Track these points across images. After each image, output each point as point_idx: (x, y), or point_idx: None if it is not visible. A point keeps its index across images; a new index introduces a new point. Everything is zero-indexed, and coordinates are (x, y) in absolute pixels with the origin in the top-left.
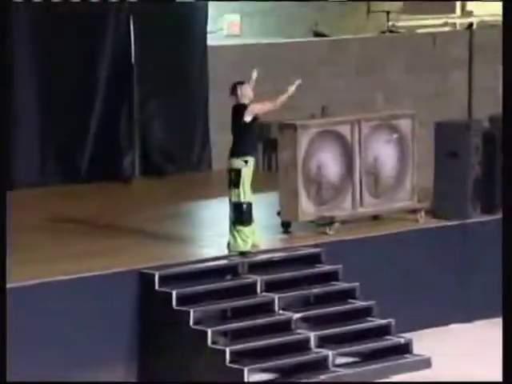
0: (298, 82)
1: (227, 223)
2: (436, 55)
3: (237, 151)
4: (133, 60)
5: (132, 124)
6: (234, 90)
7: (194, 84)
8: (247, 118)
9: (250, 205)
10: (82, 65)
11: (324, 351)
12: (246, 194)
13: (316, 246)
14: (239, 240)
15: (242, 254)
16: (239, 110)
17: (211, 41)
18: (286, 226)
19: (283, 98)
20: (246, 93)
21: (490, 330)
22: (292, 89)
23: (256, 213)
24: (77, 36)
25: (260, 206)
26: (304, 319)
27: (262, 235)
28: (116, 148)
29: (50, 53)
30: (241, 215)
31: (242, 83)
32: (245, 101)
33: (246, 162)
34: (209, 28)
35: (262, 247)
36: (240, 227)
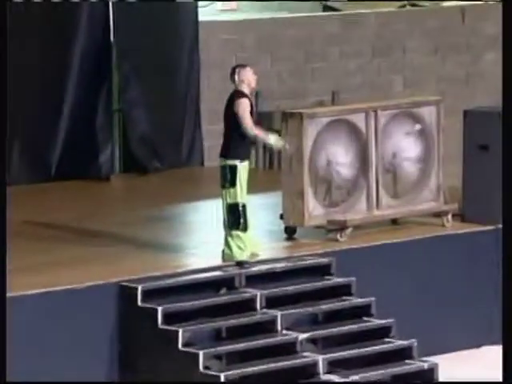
0: (285, 145)
1: (221, 228)
2: (465, 32)
3: (229, 153)
4: (112, 38)
5: (110, 113)
6: (231, 75)
7: (183, 67)
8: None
9: (245, 207)
10: (51, 45)
11: (334, 378)
12: (243, 193)
13: (325, 254)
14: (235, 248)
15: (239, 264)
16: (232, 98)
17: (203, 16)
18: (290, 232)
19: (261, 136)
20: (245, 78)
21: None
22: (274, 143)
23: (255, 216)
24: (44, 11)
25: (260, 208)
26: (311, 340)
27: (261, 242)
28: (92, 142)
29: (14, 35)
30: (238, 218)
31: (241, 66)
32: (243, 88)
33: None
34: (200, 1)
35: (262, 256)
36: (237, 232)
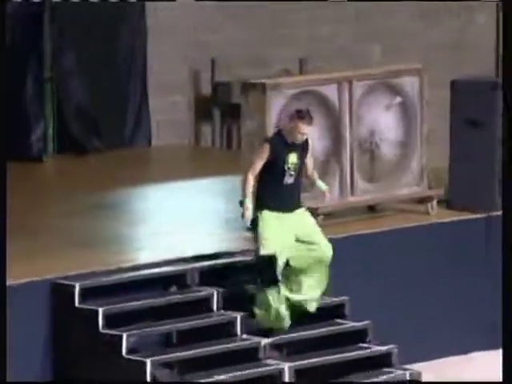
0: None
1: (171, 217)
2: None
3: (260, 202)
4: None
5: (42, 83)
6: None
7: (127, 30)
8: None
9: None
10: None
11: None
12: (274, 242)
13: None
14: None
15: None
16: None
17: None
18: (252, 222)
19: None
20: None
21: None
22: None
23: (209, 203)
24: None
25: (216, 194)
26: (275, 346)
27: (222, 233)
28: (21, 117)
29: None
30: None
31: (298, 114)
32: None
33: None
34: None
35: (220, 249)
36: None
